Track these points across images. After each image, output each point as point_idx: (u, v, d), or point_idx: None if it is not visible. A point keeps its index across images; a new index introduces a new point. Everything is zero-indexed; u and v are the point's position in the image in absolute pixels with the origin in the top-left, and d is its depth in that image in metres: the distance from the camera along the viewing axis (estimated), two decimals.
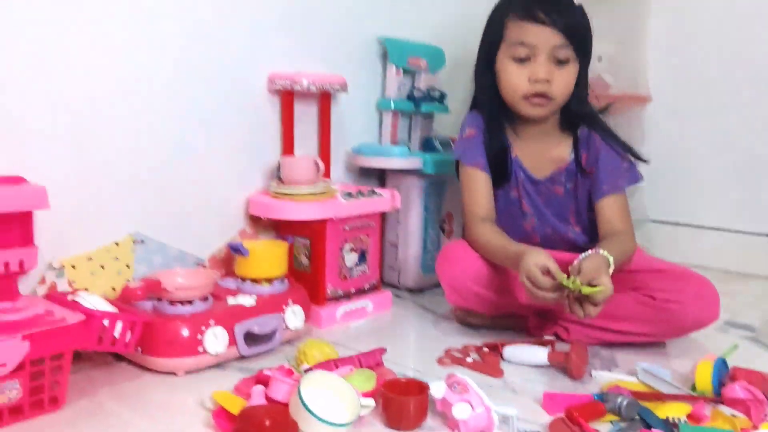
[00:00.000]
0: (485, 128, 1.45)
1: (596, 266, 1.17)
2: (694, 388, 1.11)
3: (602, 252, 1.22)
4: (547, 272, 1.17)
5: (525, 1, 1.37)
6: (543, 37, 1.35)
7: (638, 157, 1.43)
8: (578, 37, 1.37)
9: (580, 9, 1.39)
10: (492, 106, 1.45)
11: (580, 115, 1.43)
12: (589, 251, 1.22)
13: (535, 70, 1.36)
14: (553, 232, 1.46)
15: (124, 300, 1.17)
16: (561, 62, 1.36)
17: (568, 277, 1.16)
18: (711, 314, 1.30)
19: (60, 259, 1.21)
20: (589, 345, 1.33)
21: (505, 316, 1.43)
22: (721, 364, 1.11)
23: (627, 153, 1.42)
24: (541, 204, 1.45)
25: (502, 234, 1.37)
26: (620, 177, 1.40)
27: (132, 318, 1.09)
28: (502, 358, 1.27)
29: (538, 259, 1.18)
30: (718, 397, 1.06)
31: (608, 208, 1.38)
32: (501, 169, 1.44)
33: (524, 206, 1.46)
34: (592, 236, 1.42)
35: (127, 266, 1.31)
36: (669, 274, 1.34)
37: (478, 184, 1.43)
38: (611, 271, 1.19)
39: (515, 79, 1.38)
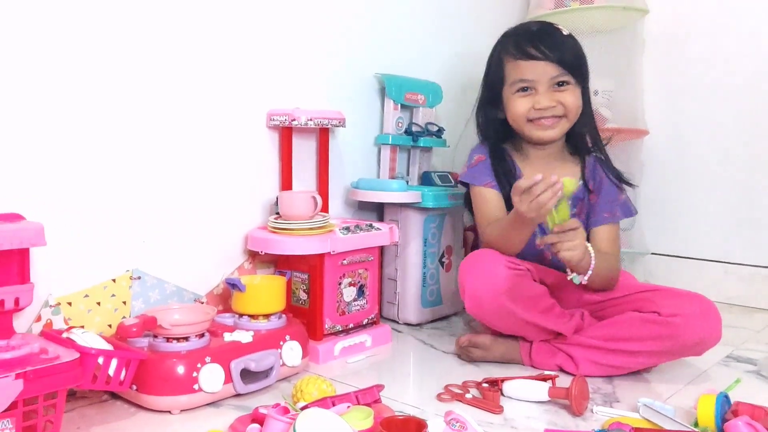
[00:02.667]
0: (492, 155, 1.51)
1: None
2: (696, 423, 1.09)
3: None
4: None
5: (516, 40, 1.46)
6: (539, 71, 1.42)
7: (629, 183, 1.51)
8: (573, 64, 1.44)
9: (571, 38, 1.46)
10: (497, 137, 1.52)
11: (582, 136, 1.50)
12: None
13: (538, 100, 1.43)
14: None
15: (120, 337, 1.16)
16: (562, 86, 1.43)
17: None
18: (714, 333, 1.29)
19: (56, 297, 1.21)
20: (594, 376, 1.33)
21: (512, 343, 1.42)
22: (724, 399, 1.10)
23: (623, 183, 1.50)
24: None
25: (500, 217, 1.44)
26: (618, 209, 1.48)
27: (127, 355, 1.08)
28: (502, 393, 1.25)
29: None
30: None
31: (602, 234, 1.45)
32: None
33: None
34: None
35: (124, 303, 1.30)
36: (672, 293, 1.37)
37: (488, 199, 1.49)
38: (591, 268, 1.32)
39: (520, 108, 1.45)
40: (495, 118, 1.52)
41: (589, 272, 1.32)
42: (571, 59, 1.43)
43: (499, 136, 1.54)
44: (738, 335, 1.69)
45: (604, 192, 1.49)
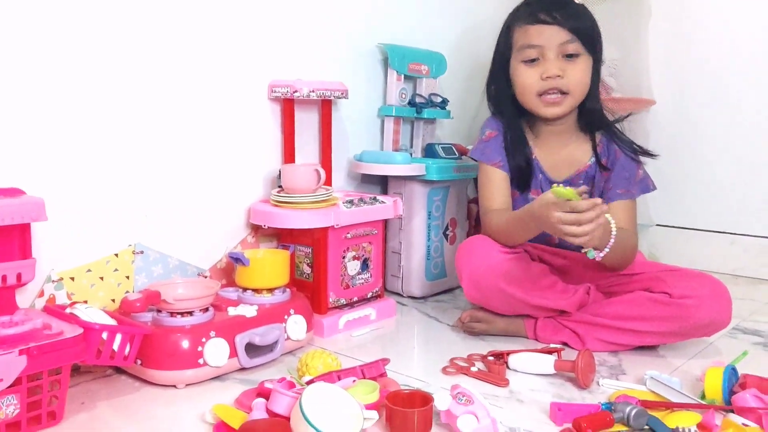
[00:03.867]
0: (505, 131, 1.47)
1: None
2: (703, 396, 1.09)
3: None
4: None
5: (528, 8, 1.42)
6: (548, 36, 1.38)
7: (649, 154, 1.45)
8: (584, 32, 1.39)
9: (583, 7, 1.42)
10: (509, 113, 1.48)
11: (593, 113, 1.45)
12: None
13: (545, 68, 1.38)
14: None
15: (124, 312, 1.16)
16: (571, 57, 1.38)
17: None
18: (725, 316, 1.28)
19: (58, 272, 1.20)
20: (600, 351, 1.32)
21: (515, 317, 1.41)
22: (731, 372, 1.09)
23: (639, 156, 1.44)
24: None
25: (508, 210, 1.40)
26: (634, 185, 1.42)
27: (131, 330, 1.08)
28: (507, 367, 1.25)
29: (548, 197, 1.18)
30: (728, 405, 1.04)
31: (617, 210, 1.38)
32: (524, 173, 1.45)
33: None
34: None
35: (127, 277, 1.29)
36: (684, 273, 1.35)
37: (493, 180, 1.45)
38: (609, 246, 1.23)
39: (527, 79, 1.41)
40: (506, 91, 1.47)
41: (606, 249, 1.24)
42: (582, 27, 1.38)
43: (512, 109, 1.48)
44: (745, 307, 1.68)
45: (618, 167, 1.42)
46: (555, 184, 1.19)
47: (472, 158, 1.53)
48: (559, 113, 1.41)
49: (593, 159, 1.45)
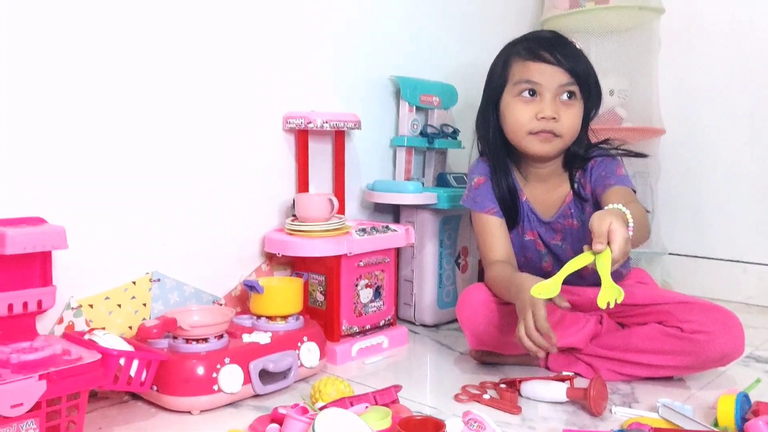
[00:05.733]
0: (492, 174, 1.45)
1: (607, 219, 1.08)
2: (716, 423, 1.08)
3: (613, 206, 1.14)
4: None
5: (529, 43, 1.39)
6: (548, 75, 1.35)
7: (639, 154, 1.44)
8: (583, 76, 1.37)
9: (581, 51, 1.40)
10: (498, 151, 1.45)
11: (575, 155, 1.43)
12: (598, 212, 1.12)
13: (541, 108, 1.35)
14: None
15: (141, 338, 1.18)
16: (568, 99, 1.36)
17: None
18: (738, 347, 1.27)
19: (78, 299, 1.22)
20: (613, 381, 1.32)
21: (526, 355, 1.41)
22: (744, 399, 1.09)
23: (623, 156, 1.42)
24: (558, 242, 1.44)
25: (509, 267, 1.37)
26: (614, 179, 1.35)
27: (148, 356, 1.10)
28: (519, 394, 1.25)
29: (526, 297, 1.17)
30: None
31: (615, 194, 1.28)
32: (512, 213, 1.44)
33: (539, 246, 1.46)
34: None
35: (144, 305, 1.32)
36: (695, 306, 1.32)
37: (491, 229, 1.43)
38: (631, 228, 1.12)
39: (521, 116, 1.37)
40: (496, 127, 1.44)
41: (630, 224, 1.13)
42: (582, 71, 1.36)
43: (500, 148, 1.45)
44: (757, 335, 1.67)
45: (597, 168, 1.38)
46: (536, 289, 1.15)
47: (464, 206, 1.51)
48: (548, 152, 1.38)
49: (572, 187, 1.43)
